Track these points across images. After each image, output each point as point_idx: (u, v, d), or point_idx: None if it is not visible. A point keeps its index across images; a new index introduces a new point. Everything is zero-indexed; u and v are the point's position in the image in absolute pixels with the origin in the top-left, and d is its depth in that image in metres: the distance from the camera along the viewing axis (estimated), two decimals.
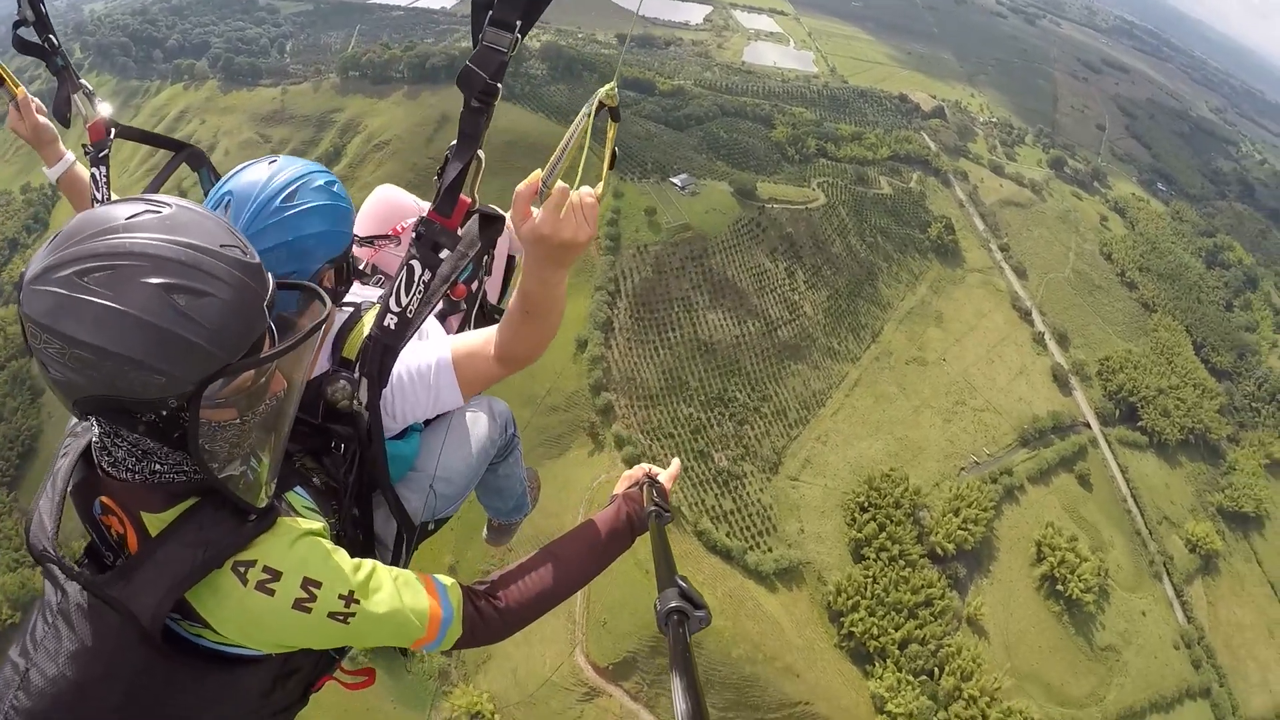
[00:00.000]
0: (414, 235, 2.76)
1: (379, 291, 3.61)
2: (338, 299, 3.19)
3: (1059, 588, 73.68)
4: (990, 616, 71.14)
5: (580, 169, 2.23)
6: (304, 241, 2.87)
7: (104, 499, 2.19)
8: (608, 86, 2.26)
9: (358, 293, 3.48)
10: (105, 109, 3.98)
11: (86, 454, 2.30)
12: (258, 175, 2.83)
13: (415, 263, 2.75)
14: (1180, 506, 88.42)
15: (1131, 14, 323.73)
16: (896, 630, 66.56)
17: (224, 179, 2.87)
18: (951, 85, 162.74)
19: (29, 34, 3.90)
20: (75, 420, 2.40)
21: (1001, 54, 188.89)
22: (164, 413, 1.94)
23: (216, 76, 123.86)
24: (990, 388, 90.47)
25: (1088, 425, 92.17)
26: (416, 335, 3.10)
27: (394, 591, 2.39)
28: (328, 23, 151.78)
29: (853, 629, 66.16)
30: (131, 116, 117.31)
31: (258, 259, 2.07)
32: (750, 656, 60.41)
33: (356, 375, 2.83)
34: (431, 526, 3.47)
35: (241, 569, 2.16)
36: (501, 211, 2.83)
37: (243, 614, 2.18)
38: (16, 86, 3.93)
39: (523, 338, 2.78)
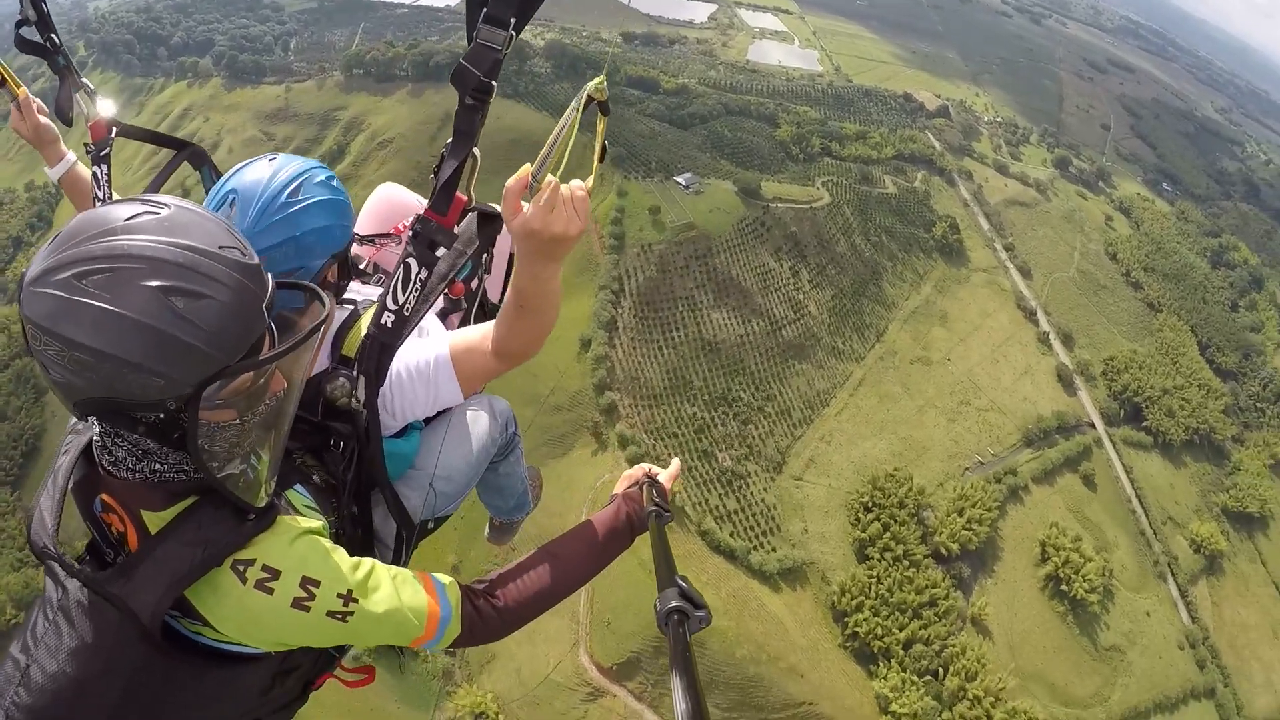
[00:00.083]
0: (410, 233, 2.79)
1: (379, 290, 3.53)
2: (339, 293, 3.22)
3: (1063, 588, 73.57)
4: (994, 617, 71.04)
5: (563, 162, 2.25)
6: (310, 236, 2.87)
7: (105, 497, 2.20)
8: (596, 80, 2.29)
9: (358, 291, 3.46)
10: (107, 108, 3.99)
11: (87, 452, 2.30)
12: (260, 173, 2.84)
13: (412, 261, 2.77)
14: (1185, 507, 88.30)
15: (1137, 14, 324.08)
16: (901, 630, 66.48)
17: (225, 177, 2.87)
18: (956, 84, 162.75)
19: (31, 33, 3.90)
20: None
21: (1006, 53, 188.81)
22: (163, 414, 1.95)
23: (220, 74, 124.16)
24: (995, 387, 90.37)
25: (1092, 425, 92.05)
26: (416, 332, 3.16)
27: (392, 590, 2.39)
28: (332, 20, 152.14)
29: (857, 629, 66.11)
30: (135, 114, 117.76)
31: (256, 260, 2.07)
32: (754, 657, 60.39)
33: (355, 373, 2.83)
34: (431, 525, 3.43)
35: (241, 567, 2.16)
36: (499, 209, 2.73)
37: (242, 612, 2.19)
38: (18, 87, 3.91)
39: (518, 333, 2.80)
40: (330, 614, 2.25)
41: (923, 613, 68.24)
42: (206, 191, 3.12)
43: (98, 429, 2.18)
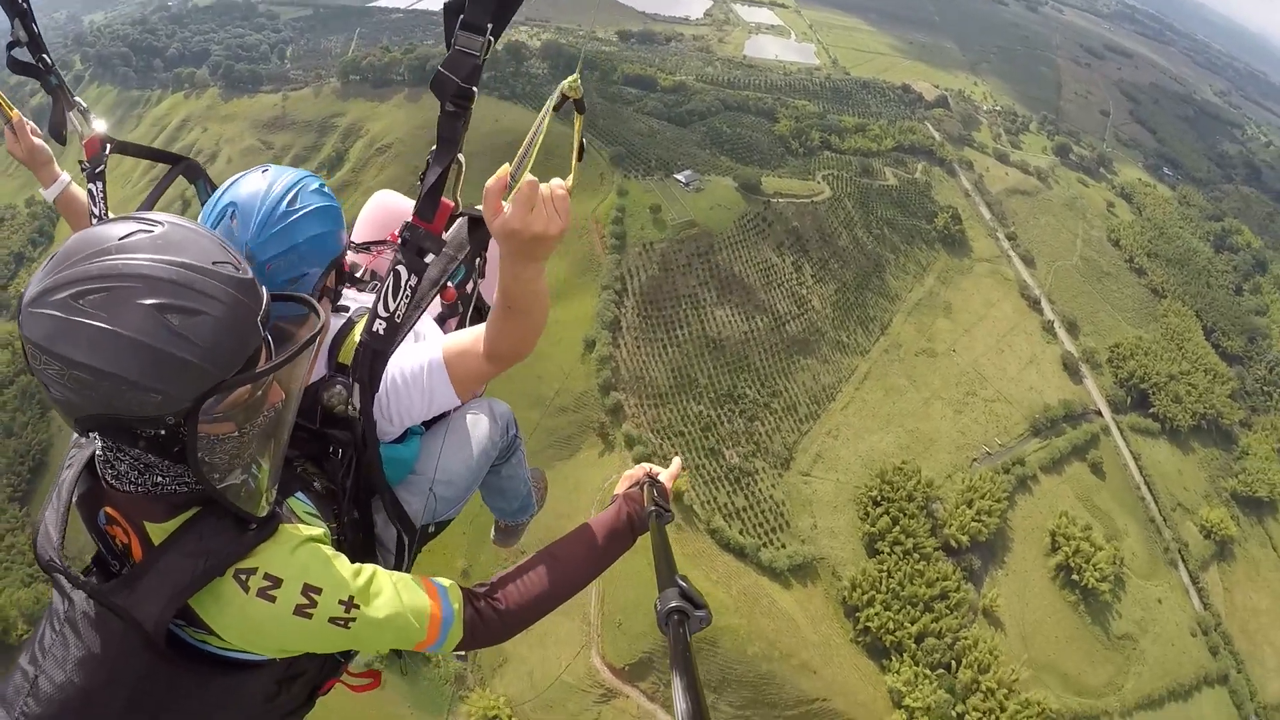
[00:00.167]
0: (399, 241, 2.80)
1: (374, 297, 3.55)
2: (337, 299, 3.25)
3: (1074, 577, 73.52)
4: (1006, 608, 70.99)
5: (530, 161, 2.26)
6: (310, 243, 2.89)
7: (108, 510, 2.26)
8: (570, 78, 2.30)
9: (355, 299, 3.49)
10: (100, 125, 4.02)
11: (91, 466, 2.34)
12: (258, 184, 2.85)
13: (401, 268, 2.78)
14: (1194, 493, 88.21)
15: None
16: (912, 624, 66.47)
17: (221, 191, 2.88)
18: (954, 74, 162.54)
19: (23, 54, 3.90)
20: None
21: (1004, 41, 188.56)
22: (163, 429, 1.99)
23: (217, 84, 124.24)
24: (1001, 377, 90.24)
25: (1099, 413, 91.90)
26: (412, 337, 3.25)
27: (394, 596, 2.42)
28: (327, 27, 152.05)
29: (868, 624, 66.06)
30: (134, 127, 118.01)
31: (250, 274, 2.09)
32: (766, 654, 60.38)
33: (350, 381, 2.86)
34: (433, 529, 3.49)
35: (243, 576, 2.20)
36: None
37: (245, 620, 2.23)
38: (11, 110, 3.93)
39: (507, 334, 2.78)
40: (332, 620, 2.28)
41: (934, 606, 68.19)
42: (202, 205, 3.12)
43: (100, 444, 2.21)
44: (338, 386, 2.86)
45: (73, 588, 2.23)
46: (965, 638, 67.40)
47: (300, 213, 2.85)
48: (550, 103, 2.28)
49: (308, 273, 2.91)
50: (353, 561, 2.44)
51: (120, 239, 1.93)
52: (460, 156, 2.74)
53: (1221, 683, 73.09)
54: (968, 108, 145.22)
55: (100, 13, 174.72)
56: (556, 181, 2.32)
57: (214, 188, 3.14)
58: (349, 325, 3.10)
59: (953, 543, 72.61)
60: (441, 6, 2.46)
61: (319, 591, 2.26)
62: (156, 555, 2.16)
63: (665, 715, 57.84)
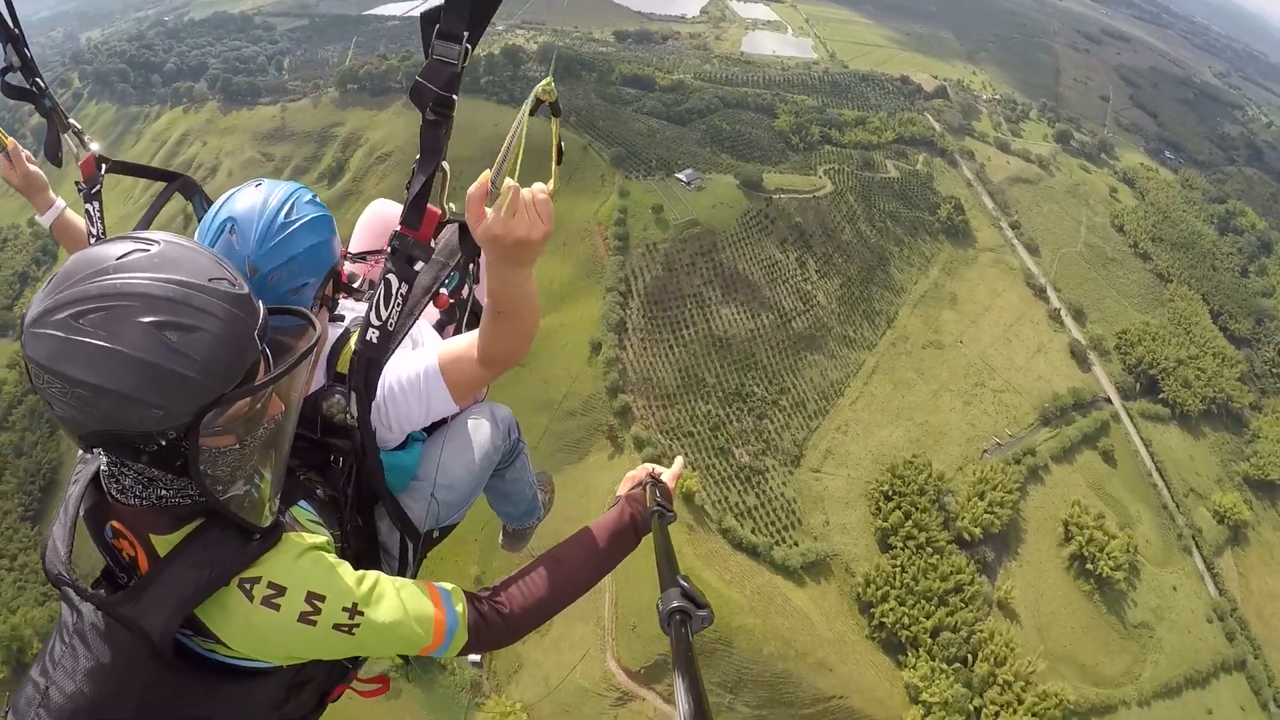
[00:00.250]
0: (389, 250, 2.82)
1: None
2: (334, 307, 3.26)
3: (1088, 566, 73.26)
4: (1021, 599, 70.85)
5: (509, 165, 2.24)
6: (309, 253, 2.90)
7: (115, 523, 2.29)
8: (544, 82, 2.30)
9: (353, 309, 3.50)
10: (95, 146, 4.06)
11: (96, 480, 2.38)
12: (254, 198, 2.87)
13: (391, 277, 2.79)
14: (1206, 478, 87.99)
15: None
16: (927, 619, 66.36)
17: (217, 206, 2.89)
18: (952, 64, 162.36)
19: (16, 79, 3.96)
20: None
21: (1001, 29, 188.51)
22: (164, 443, 2.03)
23: (216, 97, 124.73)
24: (1009, 368, 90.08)
25: (1109, 400, 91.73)
26: (410, 344, 3.32)
27: (397, 601, 2.45)
28: (324, 37, 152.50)
29: (883, 619, 65.99)
30: (133, 143, 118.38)
31: (246, 289, 2.13)
32: (782, 653, 60.34)
33: (348, 389, 2.89)
34: (437, 534, 3.50)
35: (247, 585, 2.24)
36: None
37: (250, 629, 2.26)
38: (6, 138, 4.00)
39: (498, 339, 2.82)
40: (336, 627, 2.31)
41: (949, 599, 68.07)
42: (199, 220, 3.14)
43: (105, 459, 2.25)
44: (336, 396, 2.90)
45: (81, 600, 2.30)
46: (981, 631, 67.28)
47: (297, 223, 2.86)
48: (525, 107, 2.28)
49: (308, 282, 2.91)
50: (357, 568, 2.47)
51: (118, 259, 1.97)
52: (445, 164, 2.74)
53: (1239, 669, 72.88)
54: (967, 97, 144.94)
55: (97, 30, 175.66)
56: (538, 186, 2.32)
57: (209, 203, 3.16)
58: (346, 335, 3.12)
59: (965, 535, 72.48)
60: (419, 15, 2.47)
61: (323, 599, 2.29)
62: (162, 566, 2.20)
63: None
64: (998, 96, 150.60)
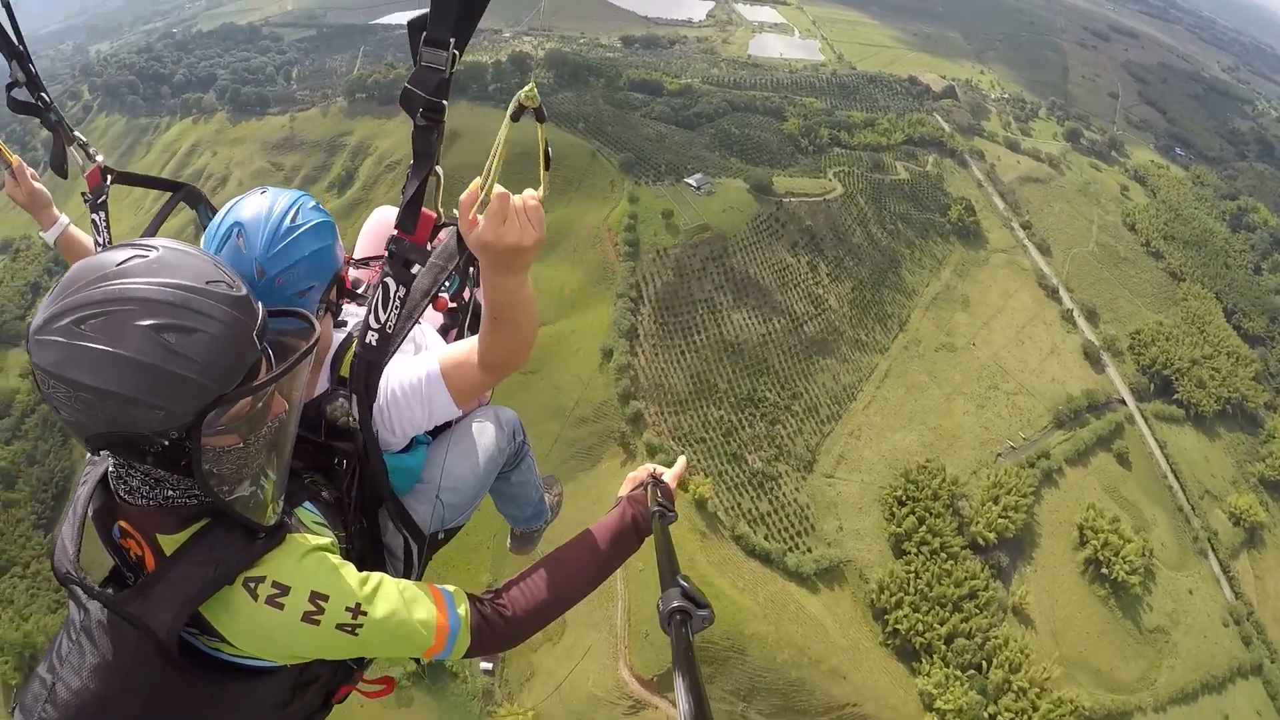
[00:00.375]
0: (387, 253, 2.87)
1: None
2: (338, 313, 3.29)
3: (1103, 571, 72.88)
4: (1036, 605, 70.56)
5: (496, 172, 2.27)
6: (315, 257, 2.93)
7: (122, 523, 2.36)
8: (526, 88, 2.26)
9: (356, 314, 3.52)
10: (101, 158, 4.17)
11: (105, 481, 2.43)
12: (260, 204, 2.90)
13: (389, 280, 2.84)
14: (1221, 479, 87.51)
15: None
16: (942, 625, 66.04)
17: (223, 213, 2.92)
18: (960, 64, 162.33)
19: (22, 94, 4.03)
20: None
21: (1008, 28, 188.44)
22: (167, 444, 2.09)
23: (225, 108, 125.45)
24: (1022, 370, 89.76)
25: (1123, 402, 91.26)
26: (414, 349, 3.44)
27: (400, 603, 2.47)
28: (331, 46, 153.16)
29: (897, 626, 65.74)
30: (143, 154, 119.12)
31: (245, 290, 2.19)
32: (796, 661, 60.16)
33: (350, 393, 2.94)
34: (442, 536, 3.57)
35: (252, 584, 2.28)
36: None
37: (254, 627, 2.31)
38: (10, 156, 4.09)
39: (496, 344, 2.84)
40: (340, 627, 2.34)
41: (963, 605, 67.75)
42: (203, 229, 3.15)
43: (112, 461, 2.33)
44: (340, 399, 2.96)
45: (88, 598, 2.33)
46: (995, 637, 66.92)
47: (303, 228, 2.89)
48: (508, 113, 2.26)
49: (313, 286, 2.94)
50: (361, 570, 2.50)
51: (117, 265, 2.03)
52: (438, 168, 2.76)
53: (1256, 673, 72.44)
54: (976, 97, 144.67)
55: (106, 42, 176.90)
56: (529, 192, 2.35)
57: (214, 212, 3.18)
58: (349, 340, 3.15)
59: (980, 540, 72.15)
60: (406, 24, 2.54)
61: (326, 599, 2.32)
62: (168, 565, 2.25)
63: None
64: (1006, 95, 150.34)
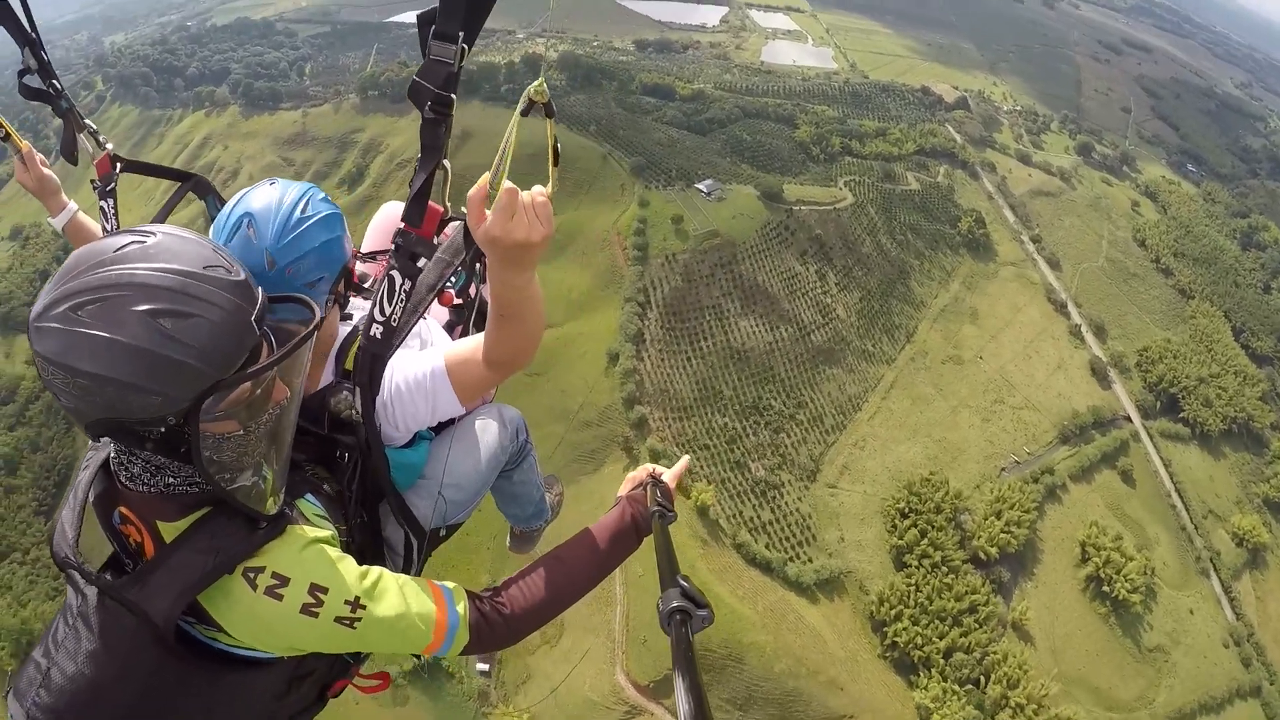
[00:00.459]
0: (394, 246, 2.86)
1: None
2: (345, 305, 3.33)
3: (1105, 588, 72.74)
4: (1035, 621, 70.42)
5: (506, 168, 2.27)
6: (325, 248, 2.96)
7: (123, 509, 2.36)
8: (535, 83, 2.28)
9: (362, 308, 3.49)
10: (110, 146, 4.20)
11: (106, 467, 2.44)
12: (270, 195, 2.93)
13: (395, 273, 2.83)
14: (1225, 499, 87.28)
15: None
16: (941, 639, 65.94)
17: (232, 203, 2.93)
18: (973, 75, 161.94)
19: (34, 81, 4.07)
20: None
21: (1021, 40, 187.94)
22: (165, 430, 2.10)
23: (237, 102, 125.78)
24: (1028, 384, 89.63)
25: (1129, 419, 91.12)
26: (419, 345, 3.44)
27: (400, 598, 2.47)
28: (345, 43, 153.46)
29: (896, 639, 65.63)
30: (155, 145, 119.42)
31: (244, 275, 2.20)
32: (793, 671, 60.09)
33: (352, 385, 2.94)
34: (443, 533, 3.54)
35: (251, 574, 2.28)
36: None
37: (252, 618, 2.30)
38: (21, 142, 4.11)
39: (502, 341, 2.83)
40: (338, 620, 2.34)
41: (963, 620, 67.67)
42: (211, 220, 3.19)
43: (114, 446, 2.32)
44: (344, 392, 2.96)
45: (86, 583, 2.32)
46: (994, 652, 66.81)
47: (313, 219, 2.91)
48: (518, 109, 2.27)
49: (323, 277, 2.97)
50: (361, 564, 2.49)
51: (115, 251, 2.04)
52: (446, 162, 2.78)
53: (1254, 695, 72.12)
54: (988, 108, 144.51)
55: (120, 34, 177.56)
56: (537, 188, 2.34)
57: (222, 203, 3.21)
58: (354, 333, 3.17)
59: (981, 555, 72.03)
60: (415, 18, 2.52)
61: (325, 591, 2.32)
62: (168, 552, 2.25)
63: None
64: (1019, 108, 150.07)
